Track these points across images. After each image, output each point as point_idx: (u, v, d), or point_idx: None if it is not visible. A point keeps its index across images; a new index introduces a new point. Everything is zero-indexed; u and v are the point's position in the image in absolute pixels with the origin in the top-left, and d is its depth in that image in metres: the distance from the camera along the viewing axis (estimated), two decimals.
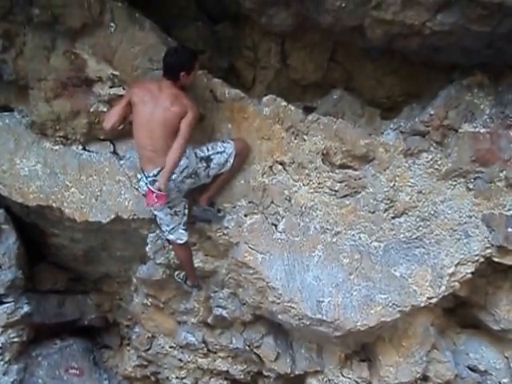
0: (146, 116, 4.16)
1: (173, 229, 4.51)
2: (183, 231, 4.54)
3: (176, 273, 5.03)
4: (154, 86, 4.24)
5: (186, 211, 4.52)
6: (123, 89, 4.60)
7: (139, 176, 4.37)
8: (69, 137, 4.87)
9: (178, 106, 4.11)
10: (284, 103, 4.74)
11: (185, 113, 4.12)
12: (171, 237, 4.58)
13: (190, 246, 4.82)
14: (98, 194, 4.86)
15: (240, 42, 5.23)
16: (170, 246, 4.85)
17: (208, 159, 4.42)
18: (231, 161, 4.52)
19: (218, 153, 4.46)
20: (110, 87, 4.62)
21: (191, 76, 4.26)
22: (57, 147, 4.91)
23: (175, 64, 4.15)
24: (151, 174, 4.17)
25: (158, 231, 4.93)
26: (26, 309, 5.33)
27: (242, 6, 4.51)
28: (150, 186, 4.10)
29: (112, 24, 4.47)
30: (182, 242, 4.59)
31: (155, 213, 4.48)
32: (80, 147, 4.93)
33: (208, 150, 4.46)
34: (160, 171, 4.12)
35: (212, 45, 5.16)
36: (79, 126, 4.78)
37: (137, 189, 4.74)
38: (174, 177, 4.16)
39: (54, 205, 4.85)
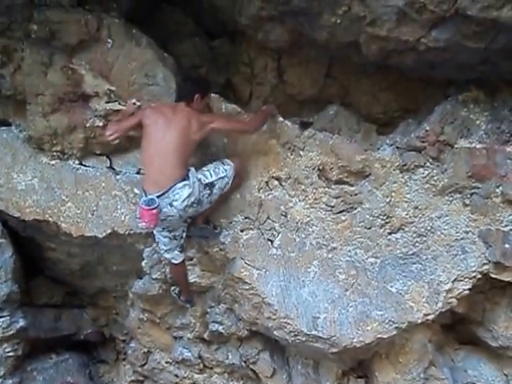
0: (158, 139, 4.19)
1: (170, 249, 4.53)
2: (179, 253, 4.58)
3: (172, 288, 5.04)
4: (168, 110, 4.30)
5: (184, 234, 4.54)
6: (119, 104, 4.62)
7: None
8: (65, 151, 4.89)
9: (195, 122, 4.21)
10: (280, 118, 4.74)
11: (203, 125, 4.25)
12: (167, 255, 4.59)
13: (187, 260, 4.81)
14: (95, 208, 4.86)
15: (237, 58, 5.26)
16: (166, 261, 4.83)
17: (211, 185, 4.41)
18: (230, 183, 4.53)
19: (220, 178, 4.45)
20: (107, 102, 4.65)
21: (203, 102, 4.41)
22: (53, 162, 4.93)
23: (193, 84, 4.42)
24: (151, 196, 4.10)
25: (154, 245, 4.93)
26: (21, 323, 5.30)
27: (238, 22, 4.54)
28: (144, 206, 4.04)
29: (109, 40, 4.50)
30: (176, 262, 4.62)
31: (154, 232, 4.49)
32: (76, 162, 4.95)
33: (211, 175, 4.42)
34: (163, 194, 4.09)
35: (209, 60, 5.20)
36: (76, 140, 4.80)
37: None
38: (176, 204, 4.14)
39: (50, 219, 4.86)
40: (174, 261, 4.60)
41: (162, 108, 4.36)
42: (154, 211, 4.03)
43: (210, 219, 4.74)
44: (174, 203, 4.15)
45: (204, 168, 4.46)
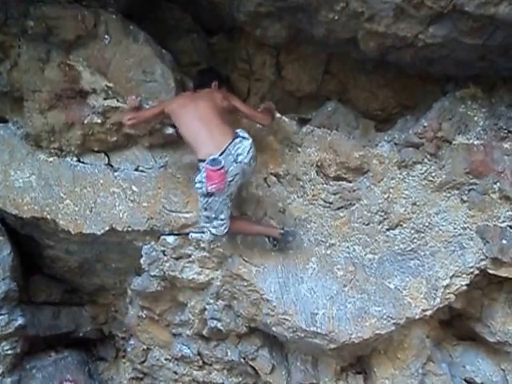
0: (192, 113, 4.27)
1: (215, 218, 4.34)
2: (221, 222, 4.38)
3: (268, 242, 4.81)
4: (189, 94, 4.52)
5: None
6: (117, 101, 4.61)
7: (198, 176, 4.21)
8: (63, 148, 4.87)
9: (218, 95, 4.44)
10: (278, 115, 4.74)
11: (224, 97, 4.45)
12: (213, 230, 4.43)
13: (184, 257, 4.83)
14: (93, 205, 4.84)
15: (235, 54, 5.26)
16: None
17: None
18: None
19: None
20: (104, 99, 4.63)
21: (222, 89, 4.58)
22: (51, 159, 4.91)
23: (209, 74, 4.65)
24: (213, 156, 4.07)
25: (152, 243, 4.92)
26: (20, 321, 5.28)
27: (236, 18, 4.54)
28: (210, 166, 4.01)
29: (106, 36, 4.48)
30: (224, 232, 4.44)
31: (209, 200, 4.25)
32: (74, 159, 4.92)
33: None
34: (223, 152, 4.08)
35: (207, 57, 5.20)
36: (74, 137, 4.78)
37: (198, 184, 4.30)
38: (241, 159, 4.14)
39: (48, 216, 4.83)
40: (220, 233, 4.43)
41: (183, 94, 4.52)
42: (221, 171, 4.03)
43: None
44: (239, 158, 4.14)
45: None
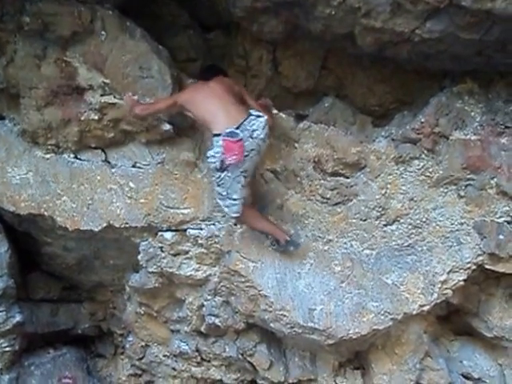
0: (208, 95, 4.33)
1: (227, 196, 4.32)
2: (235, 202, 4.35)
3: (269, 244, 4.78)
4: (198, 84, 4.58)
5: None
6: (114, 97, 4.59)
7: (210, 151, 4.24)
8: (60, 145, 4.86)
9: (228, 81, 4.56)
10: (275, 111, 4.74)
11: (234, 84, 4.57)
12: (226, 209, 4.45)
13: (182, 254, 4.83)
14: (90, 202, 4.84)
15: (232, 50, 5.25)
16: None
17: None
18: None
19: None
20: (101, 95, 4.61)
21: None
22: (48, 155, 4.90)
23: (214, 66, 4.78)
24: (230, 129, 4.11)
25: (150, 239, 4.92)
26: (18, 318, 5.28)
27: (233, 14, 4.52)
28: (229, 138, 4.07)
29: (103, 32, 4.46)
30: (236, 214, 4.44)
31: (222, 175, 4.25)
32: (71, 155, 4.91)
33: None
34: (239, 126, 4.13)
35: (204, 53, 5.18)
36: (70, 134, 4.77)
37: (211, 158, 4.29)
38: (257, 134, 4.18)
39: (45, 213, 4.83)
40: (232, 214, 4.43)
41: (193, 85, 4.64)
42: (241, 142, 4.07)
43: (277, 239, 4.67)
44: (255, 133, 4.17)
45: None
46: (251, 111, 4.29)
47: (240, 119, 4.17)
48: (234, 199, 4.31)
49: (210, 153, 4.22)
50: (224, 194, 4.31)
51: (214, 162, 4.18)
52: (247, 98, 4.59)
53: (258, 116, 4.24)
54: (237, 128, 4.12)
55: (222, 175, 4.20)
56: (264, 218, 4.64)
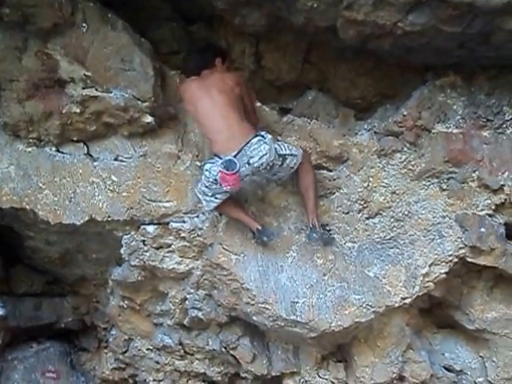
0: (208, 105, 4.29)
1: (212, 196, 4.41)
2: (216, 201, 4.43)
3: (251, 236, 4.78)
4: (199, 80, 4.47)
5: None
6: (96, 90, 4.55)
7: (209, 164, 4.30)
8: (42, 138, 4.81)
9: (228, 80, 4.40)
10: (259, 104, 4.74)
11: (236, 83, 4.43)
12: (204, 203, 4.52)
13: (164, 247, 4.85)
14: (72, 195, 4.80)
15: (214, 43, 5.20)
16: None
17: (284, 158, 4.36)
18: (295, 168, 4.47)
19: (291, 155, 4.40)
20: (83, 88, 4.56)
21: (225, 64, 4.65)
22: (30, 149, 4.84)
23: (209, 51, 4.67)
24: (229, 157, 4.12)
25: (132, 233, 4.90)
26: (0, 312, 5.28)
27: (215, 6, 4.50)
28: (225, 170, 4.07)
29: (84, 24, 4.41)
30: (207, 208, 4.54)
31: (213, 186, 4.31)
32: (53, 149, 4.86)
33: (284, 148, 4.37)
34: (239, 152, 4.12)
35: (186, 46, 5.15)
36: (52, 127, 4.72)
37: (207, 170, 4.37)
38: (252, 161, 4.14)
39: (27, 207, 4.79)
40: (208, 208, 4.54)
41: (193, 81, 4.49)
42: (237, 174, 4.07)
43: (323, 223, 4.71)
44: (251, 160, 4.14)
45: (278, 141, 4.50)
46: (258, 133, 4.25)
47: (242, 142, 4.14)
48: (217, 198, 4.38)
49: (207, 166, 4.28)
50: (209, 194, 4.38)
51: (208, 177, 4.25)
52: (248, 102, 4.56)
53: (263, 141, 4.19)
54: (236, 154, 4.11)
55: (214, 186, 4.27)
56: (238, 206, 4.63)
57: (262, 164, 4.18)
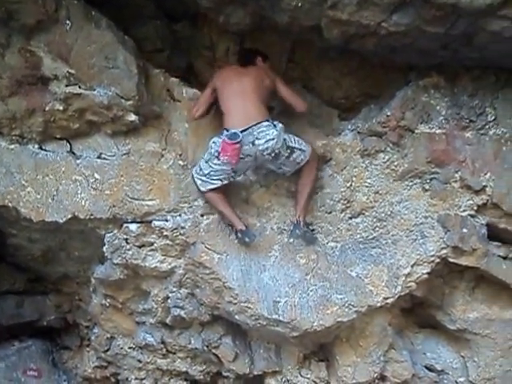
0: (235, 88, 4.48)
1: (207, 175, 4.51)
2: (212, 183, 4.53)
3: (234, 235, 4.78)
4: (236, 68, 4.73)
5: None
6: (79, 87, 4.53)
7: (216, 137, 4.43)
8: (25, 136, 4.78)
9: (264, 73, 4.63)
10: None
11: (267, 75, 4.62)
12: (198, 182, 4.60)
13: (147, 246, 4.83)
14: (55, 193, 4.77)
15: (199, 42, 5.21)
16: None
17: (292, 150, 4.46)
18: (301, 164, 4.56)
19: (300, 149, 4.50)
20: (66, 85, 4.53)
21: (265, 65, 4.77)
22: (12, 146, 4.80)
23: (252, 50, 4.86)
24: (234, 130, 4.25)
25: (115, 231, 4.87)
26: None
27: (199, 4, 4.49)
28: (227, 139, 4.20)
29: (67, 21, 4.39)
30: (202, 188, 4.59)
31: (214, 161, 4.44)
32: (36, 146, 4.82)
33: (294, 141, 4.49)
34: (247, 129, 4.25)
35: (170, 44, 5.14)
36: (35, 124, 4.69)
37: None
38: (258, 143, 4.27)
39: (9, 204, 4.75)
40: (202, 188, 4.58)
41: (229, 68, 4.75)
42: (237, 145, 4.17)
43: (307, 222, 4.76)
44: (257, 141, 4.27)
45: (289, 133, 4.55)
46: (270, 120, 4.36)
47: (252, 122, 4.28)
48: (212, 179, 4.47)
49: (214, 139, 4.44)
50: (206, 172, 4.46)
51: (212, 148, 4.38)
52: (280, 87, 4.64)
53: (273, 126, 4.31)
54: (244, 130, 4.22)
55: (215, 161, 4.37)
56: (226, 202, 4.63)
57: (267, 148, 4.30)
